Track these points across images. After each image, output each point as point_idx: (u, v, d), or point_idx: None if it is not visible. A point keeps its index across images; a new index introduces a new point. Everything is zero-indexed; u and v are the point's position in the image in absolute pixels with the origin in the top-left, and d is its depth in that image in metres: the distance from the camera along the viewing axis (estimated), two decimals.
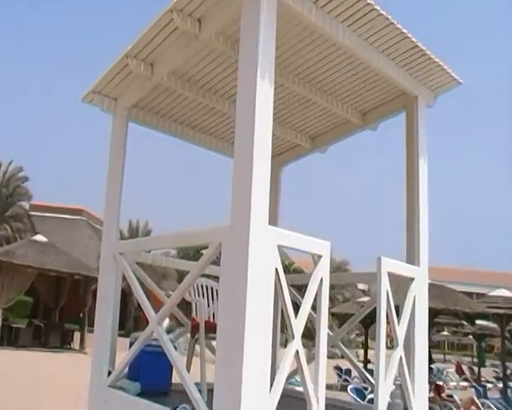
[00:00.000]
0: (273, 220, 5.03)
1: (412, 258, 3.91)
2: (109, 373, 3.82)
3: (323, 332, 3.02)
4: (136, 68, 3.91)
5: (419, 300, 3.77)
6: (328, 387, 12.69)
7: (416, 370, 3.70)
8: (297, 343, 2.84)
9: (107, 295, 4.02)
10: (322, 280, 3.03)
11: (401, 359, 3.56)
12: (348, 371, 16.85)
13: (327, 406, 4.09)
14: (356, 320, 4.88)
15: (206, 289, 4.30)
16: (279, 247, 2.87)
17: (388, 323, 3.56)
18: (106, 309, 4.00)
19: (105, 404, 3.74)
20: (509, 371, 19.79)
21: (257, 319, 2.60)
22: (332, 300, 41.27)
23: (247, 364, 2.51)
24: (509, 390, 15.86)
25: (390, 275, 3.53)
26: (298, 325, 2.87)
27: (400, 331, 3.56)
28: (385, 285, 3.43)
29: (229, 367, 2.60)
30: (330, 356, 25.06)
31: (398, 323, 3.58)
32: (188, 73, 4.34)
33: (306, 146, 5.64)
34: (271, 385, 2.70)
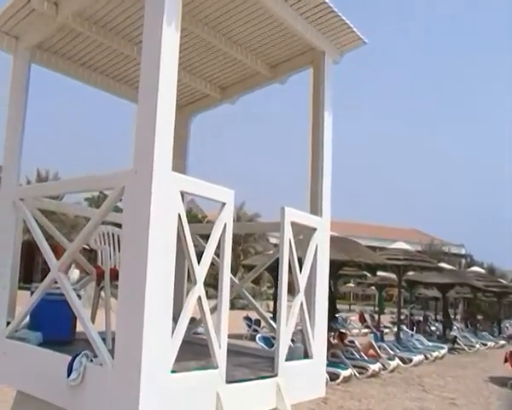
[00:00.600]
0: (181, 169, 5.01)
1: (315, 209, 4.05)
2: (8, 324, 3.70)
3: (226, 278, 3.09)
4: (39, 6, 3.66)
5: (321, 249, 3.92)
6: (238, 337, 13.10)
7: (317, 315, 3.88)
8: (199, 289, 2.88)
9: (7, 243, 3.84)
10: (225, 226, 3.07)
11: (302, 305, 3.71)
12: (258, 322, 17.37)
13: (233, 352, 4.22)
14: (260, 269, 5.03)
15: (113, 236, 4.24)
16: (184, 194, 2.87)
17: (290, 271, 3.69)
18: (4, 258, 3.83)
19: (3, 356, 3.63)
20: (403, 317, 21.34)
21: (159, 265, 2.60)
22: (245, 253, 42.12)
23: (149, 310, 2.52)
24: (401, 333, 17.13)
25: (294, 225, 3.65)
26: (201, 271, 2.91)
27: (302, 279, 3.70)
28: (288, 234, 3.54)
29: (131, 314, 2.60)
30: (241, 307, 25.72)
31: (301, 271, 3.72)
32: (95, 15, 4.12)
33: (216, 96, 5.60)
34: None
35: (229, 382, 3.05)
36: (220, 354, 2.99)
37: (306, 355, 3.79)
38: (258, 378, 3.32)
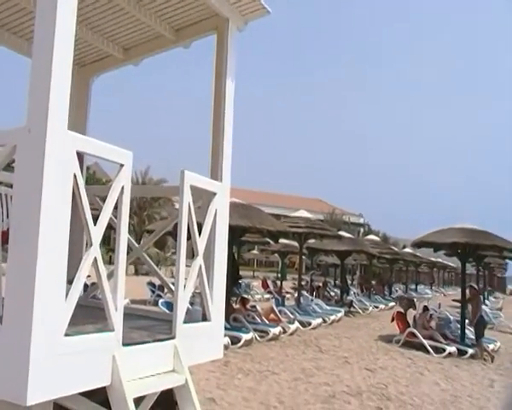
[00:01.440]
0: (81, 129, 4.84)
1: (216, 174, 4.10)
2: None
3: (123, 241, 3.06)
4: None
5: (220, 214, 3.98)
6: (142, 302, 12.93)
7: (215, 279, 3.96)
8: (95, 251, 2.84)
9: None
10: (123, 189, 3.03)
11: (201, 268, 3.76)
12: (161, 287, 17.33)
13: (133, 316, 4.22)
14: (160, 233, 5.04)
15: (6, 197, 4.04)
16: (82, 154, 2.79)
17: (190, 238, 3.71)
18: None
19: None
20: (304, 283, 22.21)
21: (52, 227, 2.52)
22: (150, 218, 41.55)
23: (41, 272, 2.44)
24: (302, 298, 17.86)
25: (193, 189, 3.67)
26: (96, 232, 2.87)
27: (201, 243, 3.75)
28: (187, 198, 3.56)
29: (22, 276, 2.50)
30: (145, 273, 25.48)
31: (200, 235, 3.76)
32: None
33: (119, 57, 5.45)
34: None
35: (125, 344, 3.05)
36: (116, 316, 2.98)
37: (205, 318, 3.87)
38: (155, 341, 3.35)
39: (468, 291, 13.63)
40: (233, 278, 13.05)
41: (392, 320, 13.60)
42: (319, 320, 15.53)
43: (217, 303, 3.96)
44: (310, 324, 14.91)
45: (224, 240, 4.09)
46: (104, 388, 2.89)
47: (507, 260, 34.99)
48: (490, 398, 8.41)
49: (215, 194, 3.91)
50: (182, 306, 3.57)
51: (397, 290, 34.29)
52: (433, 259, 41.13)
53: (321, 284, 24.98)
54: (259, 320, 12.89)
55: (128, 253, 3.99)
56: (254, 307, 14.21)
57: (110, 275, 3.04)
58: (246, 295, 17.19)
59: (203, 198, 3.98)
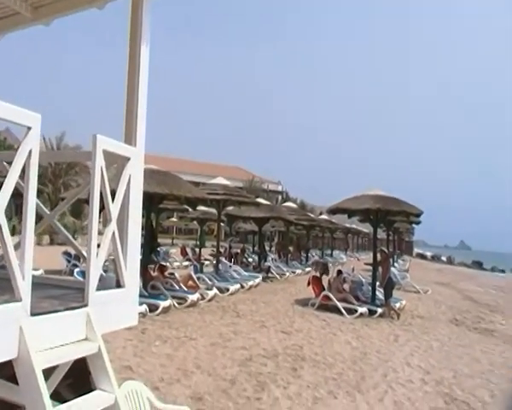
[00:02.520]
0: None
1: (130, 139, 3.98)
2: None
3: (31, 207, 2.91)
4: None
5: (134, 179, 3.88)
6: (57, 272, 12.49)
7: (129, 246, 3.87)
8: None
9: None
10: (30, 152, 2.86)
11: (114, 235, 3.67)
12: (77, 257, 16.82)
13: (45, 285, 4.06)
14: (71, 200, 4.86)
15: None
16: None
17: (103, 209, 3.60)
18: None
19: None
20: (222, 250, 22.38)
21: None
22: (66, 186, 40.01)
23: None
24: (220, 265, 18.00)
25: (107, 154, 3.54)
26: (1, 198, 2.70)
27: (114, 209, 3.65)
28: (99, 162, 3.43)
29: None
30: (62, 243, 24.52)
31: (113, 200, 3.66)
32: None
33: (27, 16, 5.10)
34: None
35: (34, 314, 2.93)
36: (24, 286, 2.84)
37: (119, 285, 3.80)
38: (67, 309, 3.24)
39: (378, 255, 14.34)
40: (151, 246, 12.91)
41: (308, 285, 14.07)
42: (237, 286, 15.76)
43: (131, 270, 3.89)
44: (228, 290, 15.10)
45: (138, 206, 4.00)
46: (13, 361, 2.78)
47: (414, 225, 37.08)
48: (394, 352, 8.98)
49: (129, 159, 3.80)
50: (94, 273, 3.47)
51: (313, 256, 35.41)
52: (347, 225, 42.78)
53: (239, 251, 25.26)
54: (178, 287, 12.89)
55: (39, 221, 3.82)
56: (173, 274, 14.18)
57: (19, 245, 2.90)
58: (164, 263, 17.07)
59: (117, 163, 3.85)
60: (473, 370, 8.36)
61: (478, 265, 74.50)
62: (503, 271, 70.15)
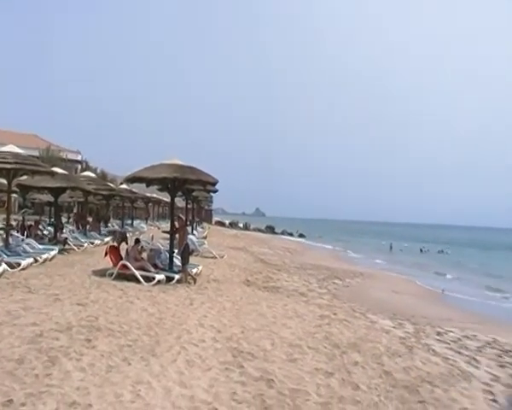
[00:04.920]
0: None
1: None
2: None
3: None
4: None
5: None
6: None
7: None
8: None
9: None
10: None
11: None
12: None
13: None
14: None
15: None
16: None
17: None
18: None
19: None
20: (15, 222, 20.60)
21: None
22: None
23: None
24: (11, 238, 16.56)
25: None
26: None
27: None
28: None
29: None
30: None
31: None
32: None
33: None
34: None
35: None
36: None
37: None
38: None
39: (176, 223, 14.58)
40: None
41: (106, 255, 13.73)
42: (30, 260, 14.67)
43: None
44: (19, 264, 13.96)
45: None
46: None
47: (212, 194, 38.47)
48: (189, 315, 9.32)
49: None
50: None
51: (113, 226, 34.56)
52: (148, 194, 42.56)
53: (33, 223, 23.51)
54: None
55: None
56: None
57: None
58: None
59: None
60: (258, 324, 9.10)
61: (270, 229, 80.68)
62: (291, 234, 77.10)
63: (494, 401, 6.47)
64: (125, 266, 12.92)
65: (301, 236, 76.22)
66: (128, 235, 17.81)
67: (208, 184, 15.25)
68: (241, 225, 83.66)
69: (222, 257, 21.55)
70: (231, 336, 8.08)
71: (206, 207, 70.99)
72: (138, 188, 31.59)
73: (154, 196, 45.79)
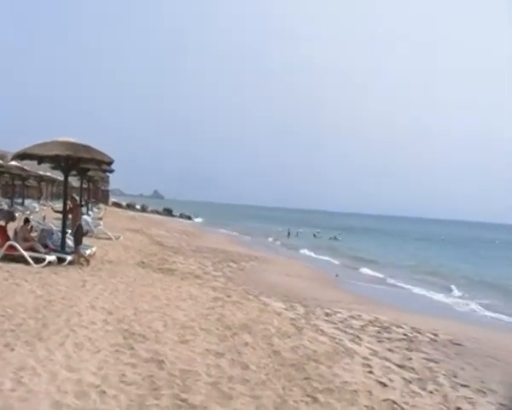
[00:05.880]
0: None
1: None
2: None
3: None
4: None
5: None
6: None
7: None
8: None
9: None
10: None
11: None
12: None
13: None
14: None
15: None
16: None
17: None
18: None
19: None
20: None
21: None
22: None
23: None
24: None
25: None
26: None
27: None
28: None
29: None
30: None
31: None
32: None
33: None
34: None
35: None
36: None
37: None
38: None
39: (69, 202, 13.90)
40: None
41: None
42: None
43: None
44: None
45: None
46: None
47: (108, 174, 37.14)
48: (80, 297, 8.97)
49: None
50: None
51: (1, 205, 32.23)
52: (41, 173, 40.15)
53: None
54: None
55: None
56: None
57: None
58: None
59: None
60: (152, 306, 8.95)
61: (168, 212, 79.62)
62: (189, 217, 76.66)
63: (371, 372, 6.90)
64: (12, 247, 12.10)
65: (199, 219, 76.13)
66: (17, 215, 16.73)
67: (103, 164, 14.64)
68: (138, 207, 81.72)
69: (117, 239, 20.96)
70: (123, 317, 7.87)
71: (103, 188, 68.49)
72: (31, 166, 29.65)
73: (48, 174, 43.29)
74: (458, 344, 9.57)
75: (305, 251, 34.82)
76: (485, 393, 6.78)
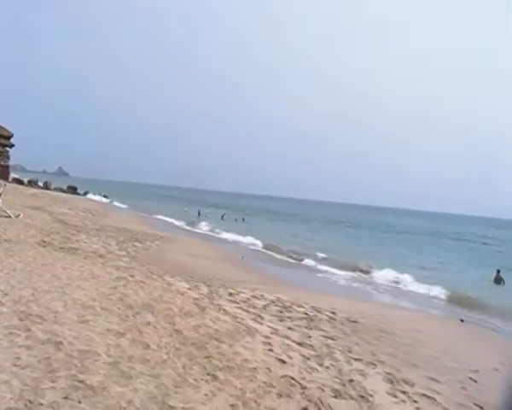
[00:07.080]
0: None
1: None
2: None
3: None
4: None
5: None
6: None
7: None
8: None
9: None
10: None
11: None
12: None
13: None
14: None
15: None
16: None
17: None
18: None
19: None
20: None
21: None
22: None
23: None
24: None
25: None
26: None
27: None
28: None
29: None
30: None
31: None
32: None
33: None
34: None
35: None
36: None
37: None
38: None
39: None
40: None
41: None
42: None
43: None
44: None
45: None
46: None
47: (8, 149, 34.75)
48: None
49: None
50: None
51: None
52: None
53: None
54: None
55: None
56: None
57: None
58: None
59: None
60: (52, 286, 8.54)
61: (73, 189, 76.04)
62: (94, 195, 73.81)
63: (271, 350, 7.08)
64: None
65: (105, 197, 73.54)
66: None
67: (2, 138, 13.65)
68: (41, 184, 77.23)
69: (17, 216, 19.71)
70: (20, 298, 7.44)
71: (3, 163, 63.89)
72: None
73: None
74: (354, 322, 10.10)
75: (214, 232, 34.90)
76: (375, 365, 7.24)
